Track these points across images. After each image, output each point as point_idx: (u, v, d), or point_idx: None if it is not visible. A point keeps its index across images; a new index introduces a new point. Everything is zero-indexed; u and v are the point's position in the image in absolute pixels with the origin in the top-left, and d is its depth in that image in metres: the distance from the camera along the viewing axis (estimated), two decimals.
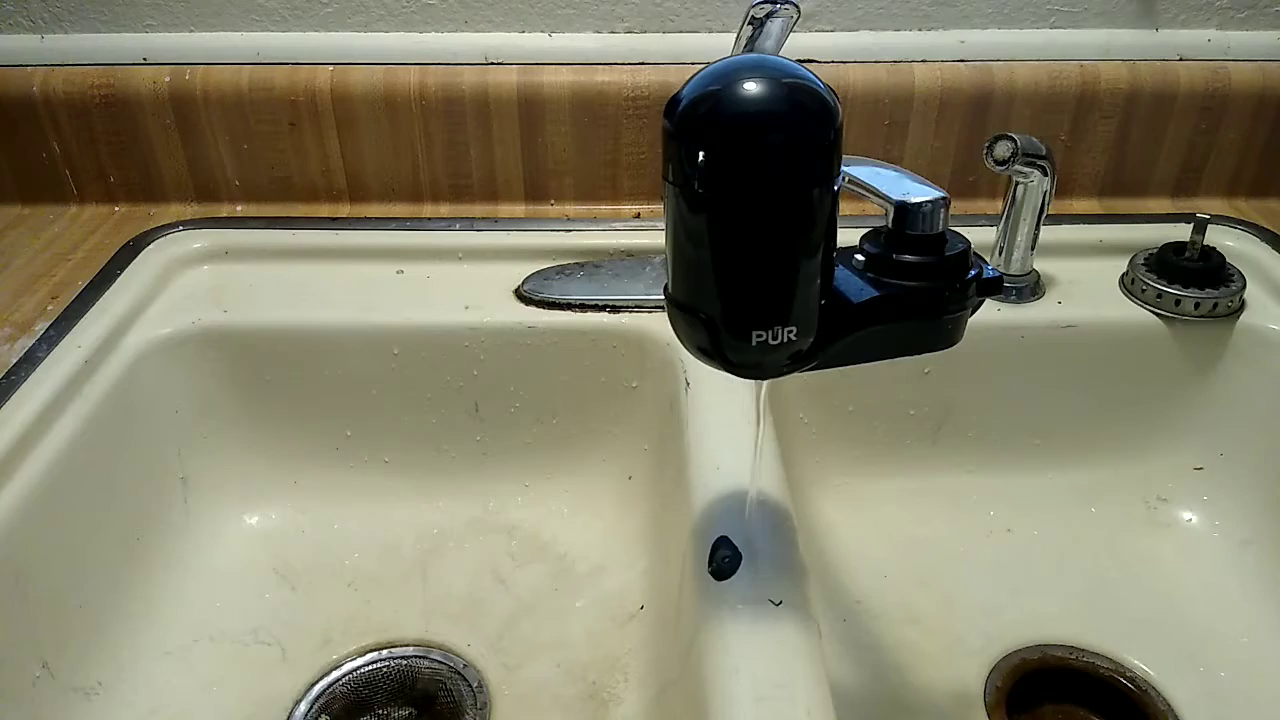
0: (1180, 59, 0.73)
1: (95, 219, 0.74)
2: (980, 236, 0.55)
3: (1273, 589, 0.62)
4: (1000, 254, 0.65)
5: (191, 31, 0.73)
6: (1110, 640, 0.59)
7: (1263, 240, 0.70)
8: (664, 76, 0.71)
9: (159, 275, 0.68)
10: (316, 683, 0.58)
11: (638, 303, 0.65)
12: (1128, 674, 0.58)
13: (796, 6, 0.51)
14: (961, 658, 0.59)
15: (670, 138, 0.35)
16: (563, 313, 0.65)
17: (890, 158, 0.73)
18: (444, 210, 0.75)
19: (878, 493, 0.68)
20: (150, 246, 0.70)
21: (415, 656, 0.59)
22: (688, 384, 0.58)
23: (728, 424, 0.54)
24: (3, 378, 0.57)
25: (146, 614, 0.59)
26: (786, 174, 0.34)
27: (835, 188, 0.35)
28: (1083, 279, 0.68)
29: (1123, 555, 0.65)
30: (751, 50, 0.52)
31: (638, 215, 0.74)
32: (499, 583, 0.64)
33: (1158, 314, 0.65)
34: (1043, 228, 0.64)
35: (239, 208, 0.75)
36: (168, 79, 0.71)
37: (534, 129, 0.72)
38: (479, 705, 0.56)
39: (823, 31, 0.73)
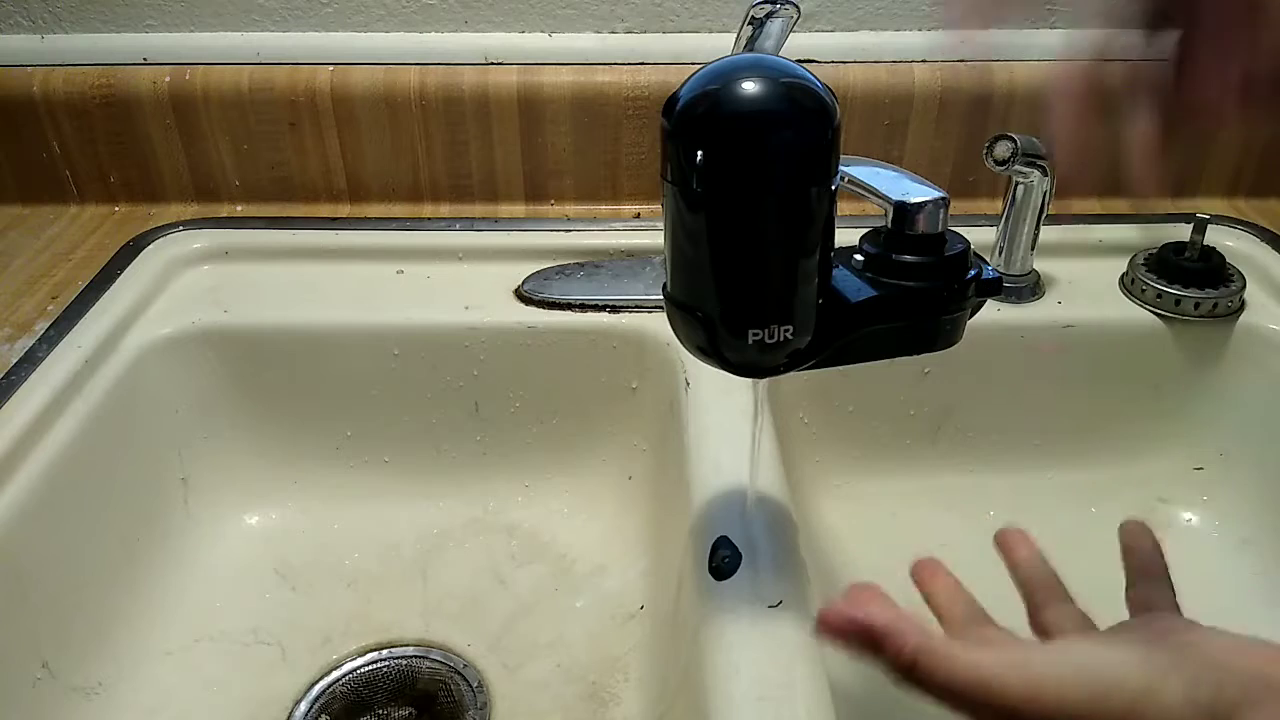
0: None
1: (95, 219, 0.74)
2: (980, 236, 0.55)
3: (1273, 589, 0.62)
4: (1000, 254, 0.65)
5: (191, 31, 0.73)
6: None
7: (1262, 240, 0.70)
8: (664, 76, 0.71)
9: (159, 275, 0.68)
10: (316, 682, 0.58)
11: (638, 303, 0.65)
12: None
13: (796, 7, 0.51)
14: None
15: (668, 137, 0.35)
16: (563, 313, 0.65)
17: (890, 158, 0.73)
18: (444, 210, 0.75)
19: (878, 493, 0.68)
20: (150, 246, 0.70)
21: (415, 656, 0.59)
22: (688, 384, 0.58)
23: (728, 424, 0.54)
24: (3, 378, 0.57)
25: (147, 614, 0.59)
26: (783, 173, 0.34)
27: (833, 187, 0.35)
28: (1082, 279, 0.68)
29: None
30: (751, 50, 0.52)
31: (638, 215, 0.74)
32: (499, 583, 0.64)
33: (1157, 314, 0.65)
34: (1042, 228, 0.64)
35: (239, 208, 0.75)
36: (168, 79, 0.71)
37: (534, 129, 0.72)
38: (479, 705, 0.56)
39: (823, 31, 0.73)
